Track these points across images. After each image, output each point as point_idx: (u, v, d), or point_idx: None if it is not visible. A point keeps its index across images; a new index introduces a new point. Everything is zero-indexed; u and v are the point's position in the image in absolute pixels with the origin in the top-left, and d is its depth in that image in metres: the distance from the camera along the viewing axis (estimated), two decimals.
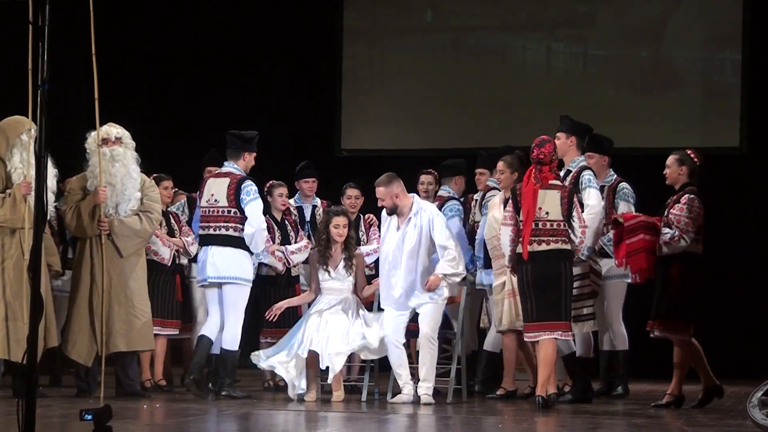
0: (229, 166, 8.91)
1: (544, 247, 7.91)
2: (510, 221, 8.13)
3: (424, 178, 9.94)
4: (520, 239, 7.96)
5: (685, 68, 13.25)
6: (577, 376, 8.59)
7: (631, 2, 13.43)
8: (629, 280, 8.80)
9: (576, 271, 8.21)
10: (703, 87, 13.19)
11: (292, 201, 10.12)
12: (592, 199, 8.39)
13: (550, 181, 8.00)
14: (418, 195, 9.08)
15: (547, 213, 7.94)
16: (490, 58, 13.76)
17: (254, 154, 8.99)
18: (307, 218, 10.07)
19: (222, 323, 8.79)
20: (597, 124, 12.92)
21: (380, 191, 8.47)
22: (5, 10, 7.87)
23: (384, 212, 8.66)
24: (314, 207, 10.20)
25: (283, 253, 9.61)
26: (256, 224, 8.72)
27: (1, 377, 8.52)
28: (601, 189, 8.87)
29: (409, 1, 14.06)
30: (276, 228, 9.73)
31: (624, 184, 9.19)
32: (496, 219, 8.76)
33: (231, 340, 8.78)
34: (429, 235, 8.37)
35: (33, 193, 7.70)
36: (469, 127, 13.36)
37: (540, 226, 7.93)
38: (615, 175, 9.27)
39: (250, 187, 8.77)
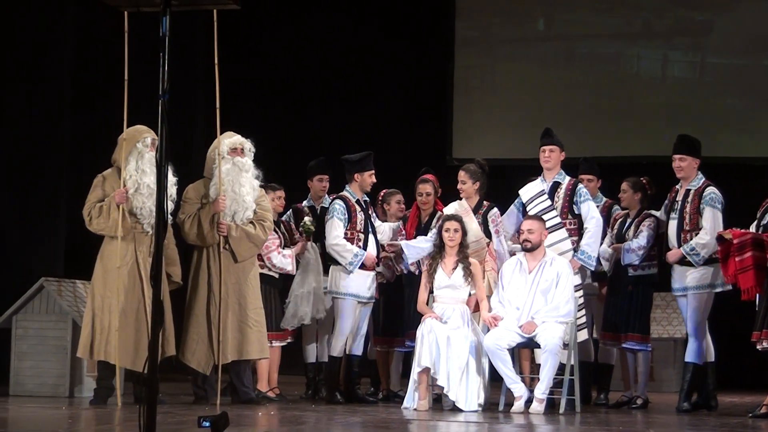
0: (344, 191, 9.32)
1: None
2: None
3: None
4: None
5: None
6: None
7: (751, 10, 13.12)
8: (718, 290, 8.88)
9: None
10: None
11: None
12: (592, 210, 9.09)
13: None
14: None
15: None
16: (603, 67, 13.63)
17: (367, 173, 9.24)
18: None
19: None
20: (713, 133, 12.79)
21: (535, 224, 8.69)
22: (127, 22, 8.01)
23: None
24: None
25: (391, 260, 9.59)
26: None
27: (123, 384, 8.63)
28: (687, 192, 8.91)
29: (521, 10, 13.99)
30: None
31: (712, 189, 8.98)
32: None
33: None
34: (557, 281, 8.59)
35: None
36: (580, 135, 13.20)
37: None
38: (703, 179, 9.07)
39: (331, 206, 9.26)
